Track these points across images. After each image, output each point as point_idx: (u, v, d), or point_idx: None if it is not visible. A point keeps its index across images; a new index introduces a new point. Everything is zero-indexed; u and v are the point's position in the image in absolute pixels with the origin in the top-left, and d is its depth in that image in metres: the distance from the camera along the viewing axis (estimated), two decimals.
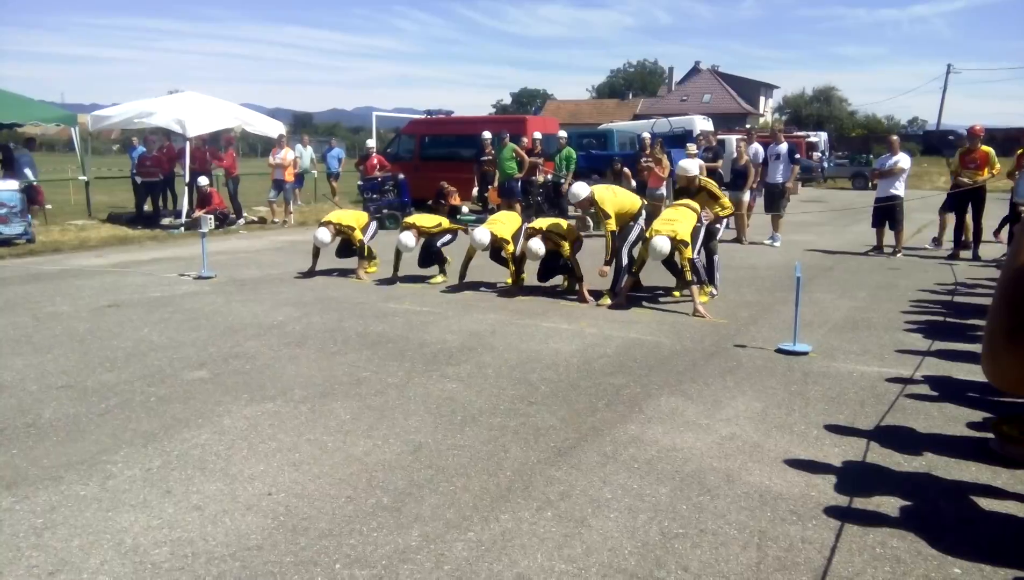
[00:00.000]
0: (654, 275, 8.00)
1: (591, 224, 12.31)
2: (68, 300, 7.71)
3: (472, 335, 6.24)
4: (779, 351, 5.67)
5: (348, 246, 9.22)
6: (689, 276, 6.94)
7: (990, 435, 3.95)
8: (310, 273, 9.15)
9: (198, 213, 13.68)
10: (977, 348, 5.51)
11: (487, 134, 14.51)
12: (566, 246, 7.69)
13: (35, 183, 14.60)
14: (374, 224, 9.59)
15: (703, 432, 4.12)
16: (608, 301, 7.46)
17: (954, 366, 5.33)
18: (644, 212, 7.80)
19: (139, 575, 2.75)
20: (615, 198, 7.65)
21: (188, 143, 14.07)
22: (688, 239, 7.02)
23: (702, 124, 22.59)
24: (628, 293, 7.49)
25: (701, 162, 12.85)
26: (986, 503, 3.31)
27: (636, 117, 44.75)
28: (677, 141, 18.64)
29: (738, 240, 12.37)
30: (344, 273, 9.29)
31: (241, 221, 14.84)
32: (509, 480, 3.53)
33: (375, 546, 2.95)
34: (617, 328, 6.50)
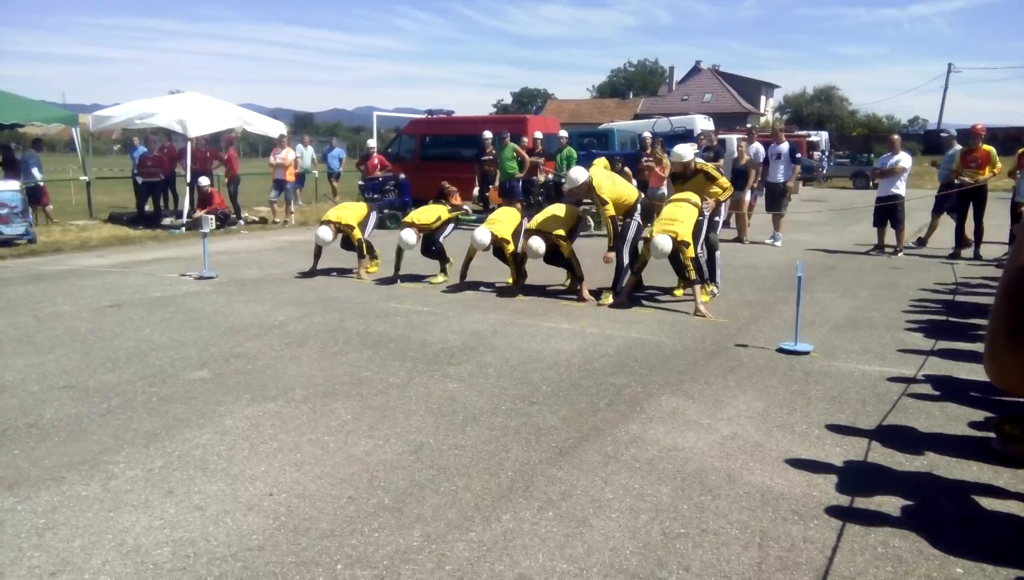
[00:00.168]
0: (655, 275, 8.00)
1: (592, 224, 12.31)
2: (69, 300, 7.71)
3: (473, 335, 6.24)
4: (780, 350, 5.67)
5: (351, 240, 9.22)
6: (693, 275, 6.94)
7: (992, 434, 3.95)
8: (311, 273, 9.16)
9: (199, 213, 13.69)
10: (979, 347, 5.51)
11: (488, 134, 14.50)
12: (565, 246, 7.69)
13: (42, 184, 14.64)
14: (374, 214, 9.57)
15: (704, 432, 4.12)
16: (609, 300, 7.45)
17: (956, 365, 5.32)
18: (641, 205, 7.75)
19: (141, 575, 2.75)
20: (613, 187, 7.61)
21: (189, 143, 14.08)
22: (690, 239, 7.02)
23: (703, 123, 22.57)
24: (629, 292, 7.49)
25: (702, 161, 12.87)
26: (988, 503, 3.31)
27: (637, 117, 44.74)
28: (678, 140, 18.58)
29: (739, 239, 12.37)
30: (344, 272, 9.29)
31: (241, 222, 14.84)
32: (510, 480, 3.53)
33: (376, 546, 2.95)
34: (618, 328, 6.49)
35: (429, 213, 8.80)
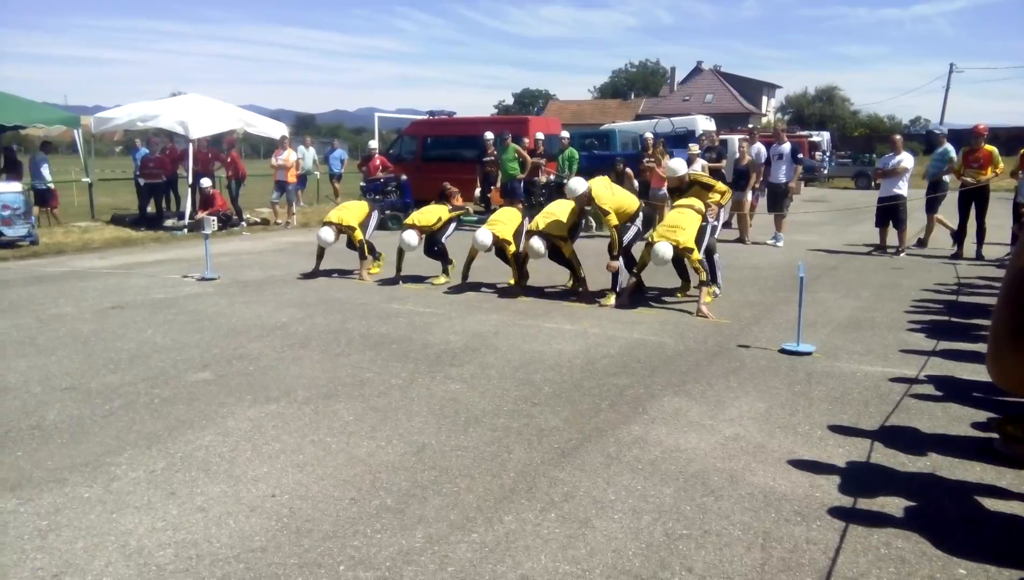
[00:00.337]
0: (658, 276, 7.99)
1: (593, 224, 12.30)
2: (72, 302, 7.72)
3: (475, 336, 6.24)
4: (783, 351, 5.67)
5: (352, 241, 9.21)
6: (704, 276, 6.95)
7: (995, 435, 3.94)
8: (314, 273, 9.17)
9: (201, 215, 13.72)
10: (981, 348, 5.50)
11: (489, 135, 14.50)
12: (566, 246, 7.68)
13: (52, 186, 14.68)
14: (375, 214, 9.56)
15: (707, 433, 4.11)
16: (612, 301, 7.45)
17: (958, 366, 5.31)
18: (642, 214, 7.76)
19: (143, 577, 2.75)
20: (613, 197, 7.61)
21: (191, 145, 14.10)
22: (692, 245, 7.01)
23: (704, 124, 22.58)
24: (631, 293, 7.49)
25: (704, 162, 12.87)
26: (991, 503, 3.30)
27: (638, 117, 44.75)
28: (679, 141, 18.62)
29: (741, 240, 12.36)
30: (346, 273, 9.30)
31: (243, 224, 14.86)
32: (513, 481, 3.53)
33: (379, 548, 2.95)
34: (620, 328, 6.49)
35: (430, 214, 8.79)
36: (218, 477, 3.59)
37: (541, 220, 7.79)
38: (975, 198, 10.44)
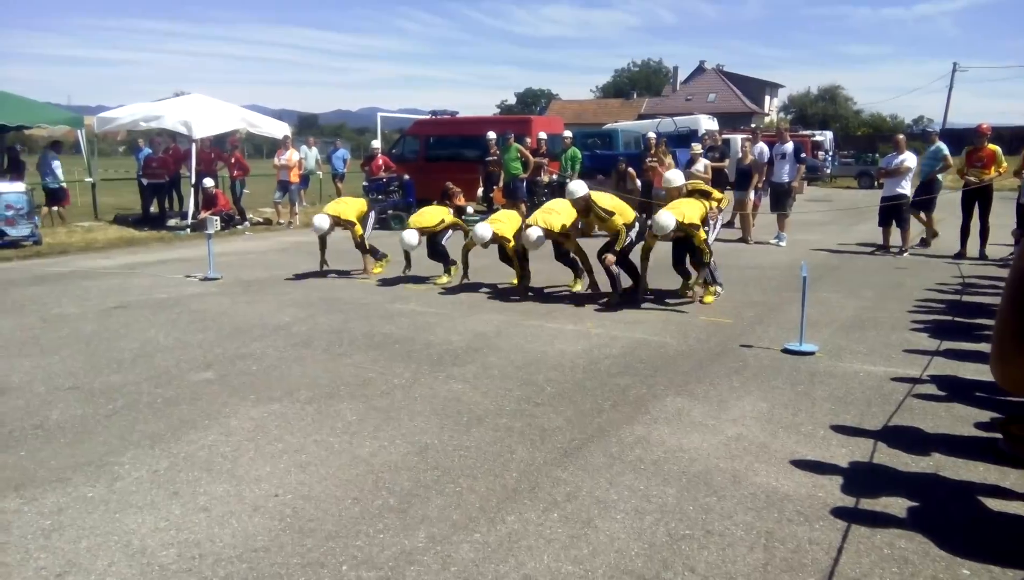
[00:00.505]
0: (665, 278, 7.98)
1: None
2: (75, 302, 7.74)
3: (478, 336, 6.24)
4: (785, 351, 5.66)
5: (353, 236, 9.19)
6: (707, 258, 6.93)
7: (998, 435, 3.93)
8: (322, 265, 9.18)
9: (203, 215, 13.74)
10: (985, 348, 5.49)
11: (492, 134, 14.51)
12: (568, 242, 7.64)
13: (64, 185, 14.73)
14: (372, 214, 9.54)
15: (709, 433, 4.11)
16: (612, 300, 7.45)
17: (962, 366, 5.30)
18: (638, 224, 7.58)
19: (147, 577, 2.76)
20: (612, 202, 7.54)
21: (194, 145, 14.12)
22: (697, 222, 6.98)
23: (707, 123, 22.56)
24: (631, 292, 7.46)
25: (707, 161, 12.86)
26: (995, 504, 3.29)
27: (641, 117, 44.69)
28: (682, 141, 18.64)
29: (744, 240, 12.35)
30: (343, 274, 9.29)
31: (246, 223, 14.87)
32: (515, 481, 3.53)
33: (381, 547, 2.95)
34: (622, 329, 6.49)
35: (432, 216, 8.77)
36: (221, 477, 3.59)
37: (540, 216, 7.77)
38: (979, 198, 10.42)
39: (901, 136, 11.45)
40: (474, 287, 8.32)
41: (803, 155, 12.70)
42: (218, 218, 13.70)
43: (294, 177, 15.10)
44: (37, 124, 15.20)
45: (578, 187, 7.46)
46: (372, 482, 3.53)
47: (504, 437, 4.07)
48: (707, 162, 12.95)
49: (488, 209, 14.41)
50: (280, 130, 16.09)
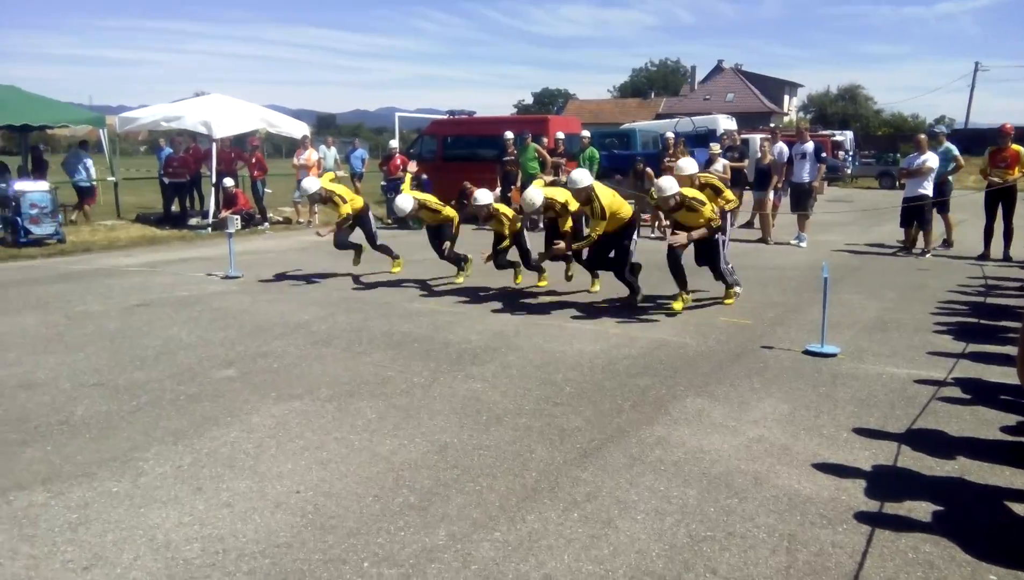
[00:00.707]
0: (659, 284, 7.94)
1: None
2: (99, 299, 7.83)
3: (496, 335, 6.25)
4: (807, 353, 5.61)
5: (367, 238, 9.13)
6: (716, 218, 6.98)
7: None
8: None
9: (224, 214, 13.85)
10: (1010, 350, 5.42)
11: (509, 134, 14.52)
12: (563, 221, 7.52)
13: (94, 183, 14.94)
14: (372, 216, 9.31)
15: (730, 434, 4.09)
16: (597, 287, 7.73)
17: (986, 368, 5.24)
18: (638, 228, 7.38)
19: (171, 571, 2.79)
20: (613, 199, 7.25)
21: (214, 145, 14.24)
22: (704, 200, 6.92)
23: (725, 123, 22.47)
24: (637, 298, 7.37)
25: (726, 162, 12.79)
26: (1021, 508, 3.25)
27: (659, 117, 44.55)
28: (700, 141, 18.54)
29: (763, 240, 12.27)
30: (361, 275, 9.33)
31: (266, 223, 14.97)
32: (535, 481, 3.53)
33: (402, 545, 2.96)
34: (641, 328, 6.47)
35: (436, 203, 8.52)
36: (243, 473, 3.62)
37: (545, 189, 7.71)
38: (1002, 198, 10.28)
39: (923, 136, 11.30)
40: (493, 287, 8.32)
41: (824, 155, 12.59)
42: (238, 217, 13.81)
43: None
44: (60, 124, 15.38)
45: (581, 176, 7.18)
46: (392, 480, 3.54)
47: (523, 436, 4.07)
48: (726, 162, 12.89)
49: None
50: (299, 130, 16.18)
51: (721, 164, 12.57)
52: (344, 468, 3.68)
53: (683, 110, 41.24)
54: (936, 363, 5.39)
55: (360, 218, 9.05)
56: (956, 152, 10.98)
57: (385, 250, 9.20)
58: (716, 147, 13.37)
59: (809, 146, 12.10)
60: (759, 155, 12.97)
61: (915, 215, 10.80)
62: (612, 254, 7.42)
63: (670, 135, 14.54)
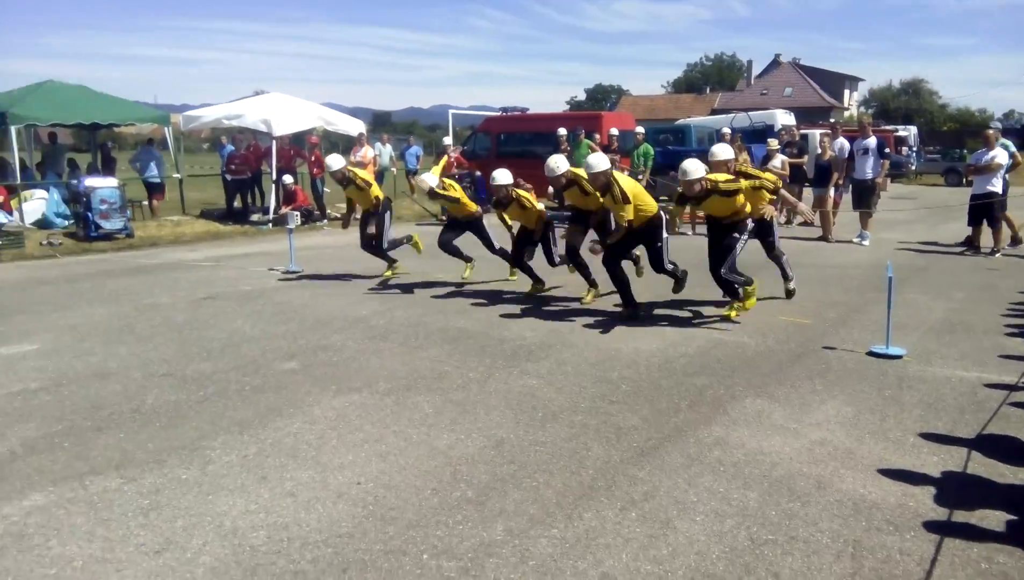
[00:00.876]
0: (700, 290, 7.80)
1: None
2: (166, 292, 8.11)
3: (552, 332, 6.25)
4: (871, 354, 5.46)
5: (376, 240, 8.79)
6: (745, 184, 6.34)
7: None
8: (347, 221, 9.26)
9: (284, 210, 14.18)
10: None
11: (563, 131, 14.47)
12: (592, 200, 7.26)
13: (162, 180, 15.51)
14: (388, 215, 8.99)
15: (791, 436, 4.01)
16: (590, 297, 7.48)
17: None
18: (666, 222, 6.87)
19: (238, 557, 2.88)
20: (634, 186, 6.86)
21: (274, 142, 14.58)
22: (732, 189, 6.24)
23: (783, 118, 21.96)
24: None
25: (784, 157, 12.51)
26: None
27: (714, 112, 43.80)
28: (758, 136, 18.18)
29: (824, 238, 11.97)
30: (419, 276, 9.41)
31: (324, 221, 15.26)
32: (591, 478, 3.53)
33: (461, 538, 3.00)
34: (698, 327, 6.39)
35: (466, 198, 8.48)
36: (306, 463, 3.71)
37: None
38: None
39: (991, 131, 10.88)
40: (549, 286, 8.28)
41: (887, 150, 12.20)
42: (298, 213, 14.13)
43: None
44: (127, 122, 15.94)
45: (598, 160, 6.81)
46: (450, 474, 3.59)
47: (579, 434, 4.07)
48: (784, 158, 12.61)
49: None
50: (355, 127, 16.44)
51: (779, 160, 12.30)
52: (403, 461, 3.74)
53: (739, 105, 40.49)
54: (1007, 367, 5.19)
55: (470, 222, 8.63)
56: (1013, 148, 10.55)
57: (456, 253, 8.66)
58: (774, 143, 13.08)
59: (872, 141, 11.73)
60: (819, 151, 12.66)
61: (984, 213, 10.40)
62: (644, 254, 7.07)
63: (727, 130, 14.33)
